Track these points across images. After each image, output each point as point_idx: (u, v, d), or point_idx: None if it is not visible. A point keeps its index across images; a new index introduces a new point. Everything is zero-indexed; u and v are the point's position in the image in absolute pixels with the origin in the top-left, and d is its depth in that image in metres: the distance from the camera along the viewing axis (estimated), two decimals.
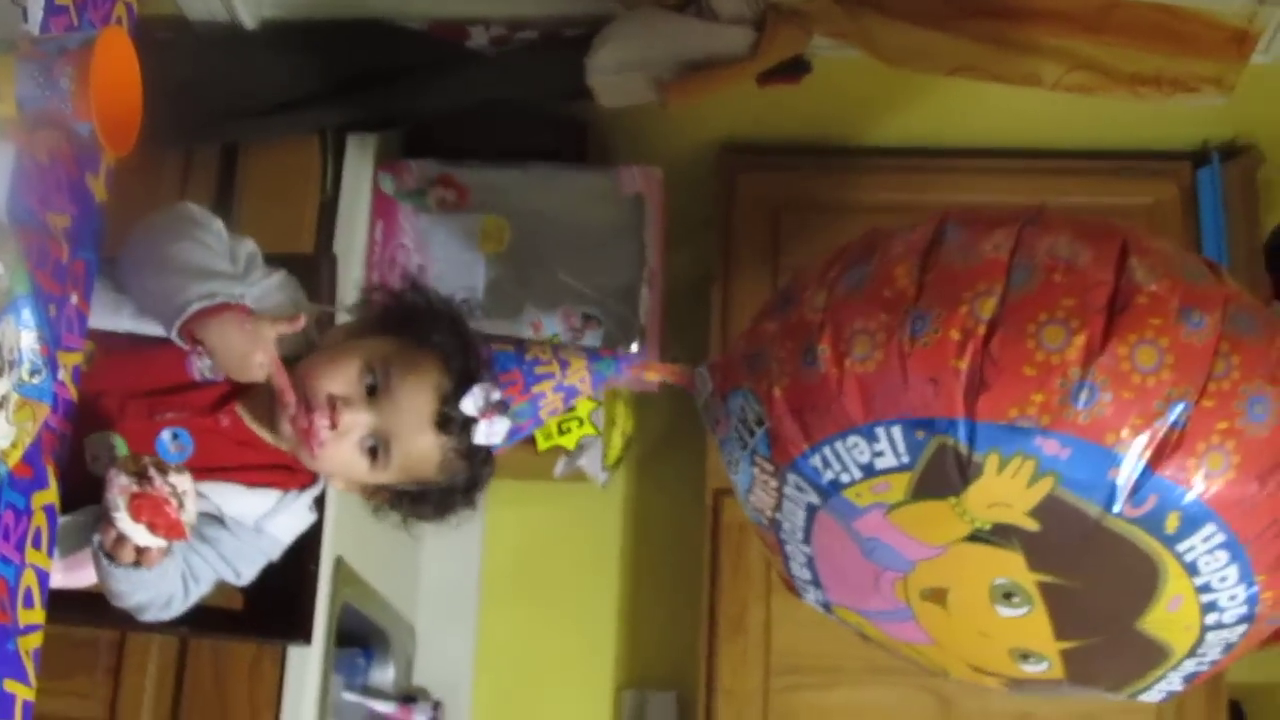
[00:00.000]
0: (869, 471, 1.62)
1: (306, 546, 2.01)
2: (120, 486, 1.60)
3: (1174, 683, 1.76)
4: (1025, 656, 1.79)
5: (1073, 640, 1.73)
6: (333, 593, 2.75)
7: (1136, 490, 1.52)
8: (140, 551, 1.61)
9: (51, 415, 1.57)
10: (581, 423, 3.00)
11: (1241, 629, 1.66)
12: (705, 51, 2.86)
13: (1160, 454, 1.51)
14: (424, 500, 1.77)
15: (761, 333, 1.73)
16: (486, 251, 3.06)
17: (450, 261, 3.04)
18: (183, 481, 1.63)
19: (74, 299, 1.65)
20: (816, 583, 1.83)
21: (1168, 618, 1.64)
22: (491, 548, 3.53)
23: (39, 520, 1.57)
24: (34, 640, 1.56)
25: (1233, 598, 1.61)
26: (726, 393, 1.75)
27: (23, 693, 1.53)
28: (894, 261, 1.62)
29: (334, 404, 1.68)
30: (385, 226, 3.07)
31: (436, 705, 3.25)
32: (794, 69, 2.96)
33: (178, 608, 1.75)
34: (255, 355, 1.65)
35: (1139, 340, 1.50)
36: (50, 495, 1.60)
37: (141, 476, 1.60)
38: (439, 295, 1.77)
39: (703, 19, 2.86)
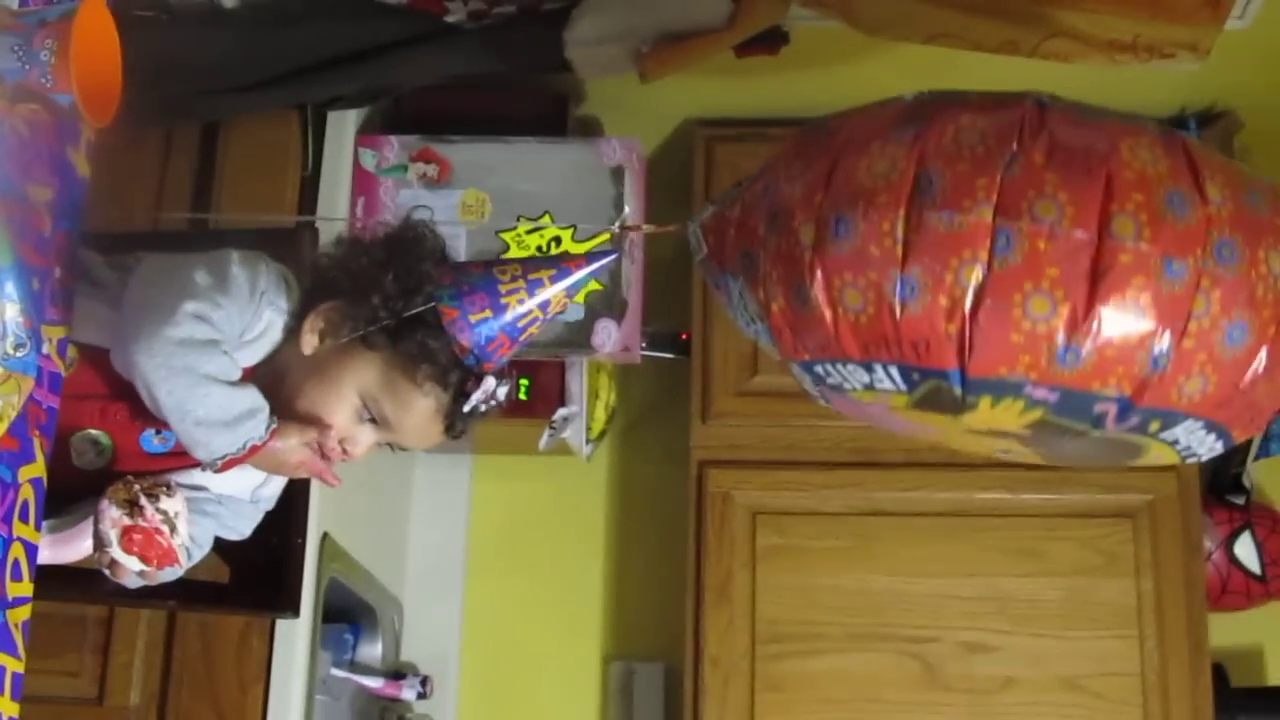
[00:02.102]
0: (869, 388, 1.68)
1: (293, 520, 2.03)
2: (112, 519, 1.63)
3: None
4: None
5: (1063, 468, 1.90)
6: (319, 568, 2.75)
7: (1120, 415, 1.60)
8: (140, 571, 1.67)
9: (36, 389, 1.57)
10: None
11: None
12: (683, 23, 2.86)
13: (1142, 391, 1.58)
14: None
15: (751, 232, 1.74)
16: (468, 225, 3.06)
17: None
18: (173, 504, 1.65)
19: (57, 272, 1.65)
20: (826, 400, 1.88)
21: (1150, 462, 1.75)
22: (477, 522, 3.54)
23: (25, 493, 1.58)
24: (22, 613, 1.56)
25: (1210, 449, 1.70)
26: (723, 269, 1.78)
27: (12, 665, 1.54)
28: (879, 213, 1.62)
29: (342, 444, 1.73)
30: (366, 201, 3.07)
31: (425, 680, 3.26)
32: (772, 39, 2.96)
33: (182, 572, 1.77)
34: (291, 468, 1.72)
35: (1122, 302, 1.55)
36: (37, 469, 1.60)
37: (133, 506, 1.62)
38: (408, 268, 1.74)
39: None
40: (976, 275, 1.57)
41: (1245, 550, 3.23)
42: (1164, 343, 1.56)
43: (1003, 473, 3.06)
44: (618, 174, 3.10)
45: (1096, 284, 1.55)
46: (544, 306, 1.74)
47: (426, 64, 2.97)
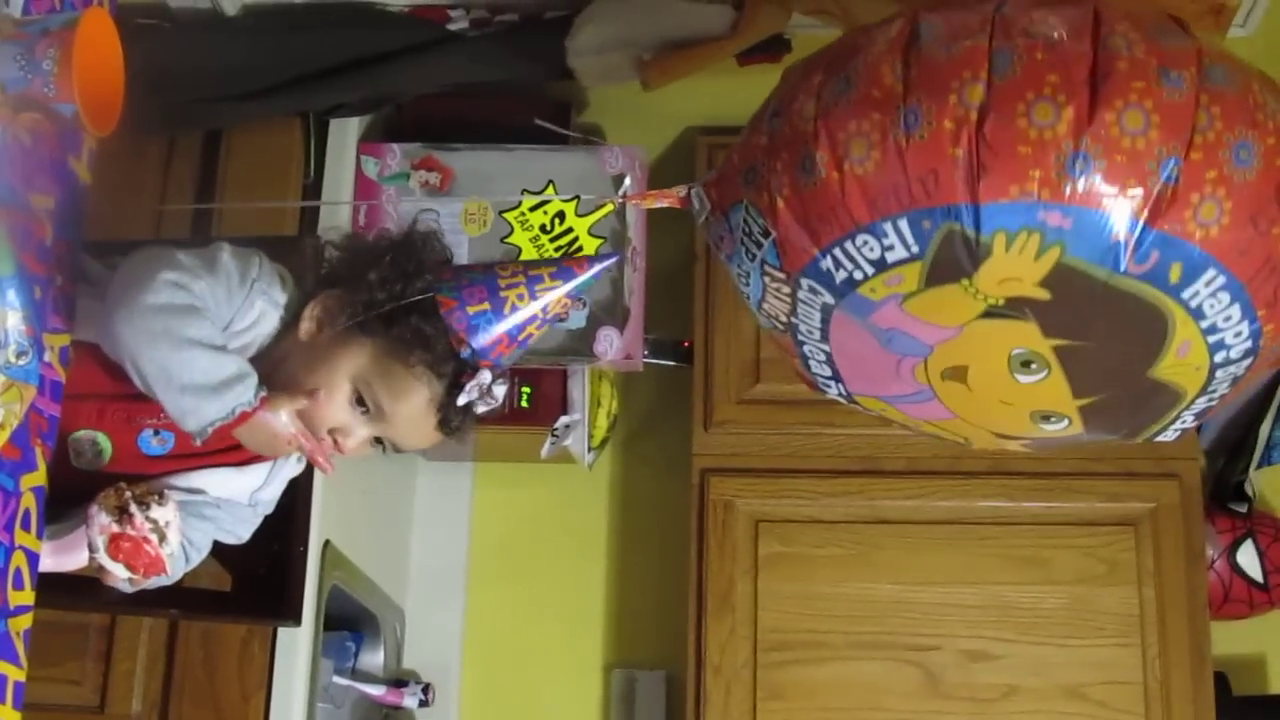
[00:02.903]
0: (881, 266, 1.65)
1: (295, 527, 2.03)
2: (100, 525, 1.62)
3: (1186, 421, 1.82)
4: (1046, 418, 1.84)
5: (1090, 397, 1.79)
6: (321, 575, 2.75)
7: (1138, 248, 1.57)
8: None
9: (39, 397, 1.58)
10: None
11: (1247, 362, 1.71)
12: (685, 31, 2.87)
13: (1157, 210, 1.56)
14: None
15: (753, 147, 1.74)
16: (470, 234, 3.06)
17: None
18: (164, 513, 1.65)
19: (58, 280, 1.65)
20: (837, 377, 1.86)
21: (1178, 363, 1.69)
22: (479, 529, 3.54)
23: (27, 501, 1.58)
24: (24, 621, 1.57)
25: (1237, 334, 1.66)
26: (725, 209, 1.77)
27: (13, 674, 1.54)
28: (877, 60, 1.63)
29: (335, 435, 1.72)
30: (368, 209, 3.07)
31: (426, 688, 3.26)
32: (774, 47, 2.97)
33: (180, 574, 1.77)
34: (283, 442, 1.69)
35: (1124, 105, 1.54)
36: (39, 477, 1.61)
37: (122, 513, 1.61)
38: (408, 261, 1.75)
39: None
40: (979, 92, 1.57)
41: (1248, 558, 3.23)
42: (1172, 150, 1.54)
43: (1004, 481, 3.07)
44: (620, 182, 3.10)
45: (1097, 89, 1.55)
46: (544, 307, 1.74)
47: (429, 72, 2.97)
